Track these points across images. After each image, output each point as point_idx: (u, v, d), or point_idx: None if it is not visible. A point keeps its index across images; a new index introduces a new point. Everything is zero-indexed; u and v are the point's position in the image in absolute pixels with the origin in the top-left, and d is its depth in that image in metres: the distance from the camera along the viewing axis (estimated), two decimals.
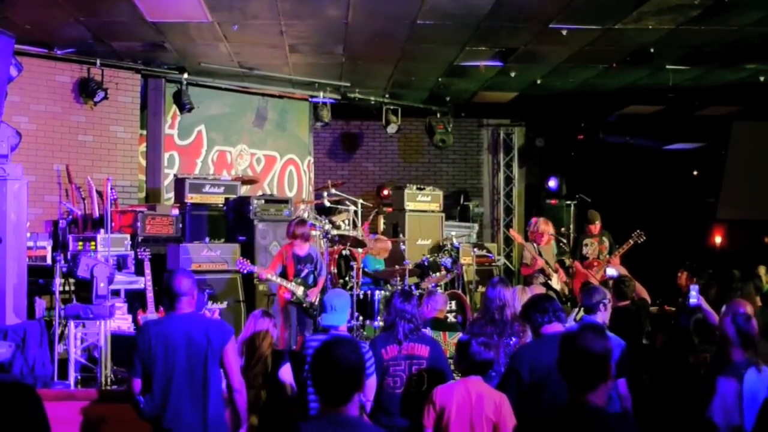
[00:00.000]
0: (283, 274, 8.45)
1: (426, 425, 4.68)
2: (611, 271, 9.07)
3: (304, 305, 8.45)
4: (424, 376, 5.32)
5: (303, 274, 8.45)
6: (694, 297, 6.24)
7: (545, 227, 10.02)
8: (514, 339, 5.80)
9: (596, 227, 10.16)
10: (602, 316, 5.62)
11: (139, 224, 9.90)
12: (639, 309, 7.00)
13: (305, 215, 10.89)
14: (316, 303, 8.49)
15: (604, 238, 10.12)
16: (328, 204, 11.39)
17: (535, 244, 9.97)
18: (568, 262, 10.32)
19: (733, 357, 4.64)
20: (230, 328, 4.88)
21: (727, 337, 4.70)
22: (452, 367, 5.44)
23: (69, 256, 8.49)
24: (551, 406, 4.15)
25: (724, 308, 5.31)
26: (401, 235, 11.46)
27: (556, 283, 9.63)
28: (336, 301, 5.35)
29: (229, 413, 4.85)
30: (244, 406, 4.85)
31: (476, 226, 13.96)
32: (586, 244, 10.14)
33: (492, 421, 4.52)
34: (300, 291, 8.39)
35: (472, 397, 4.51)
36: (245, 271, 8.62)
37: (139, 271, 8.94)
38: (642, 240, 9.70)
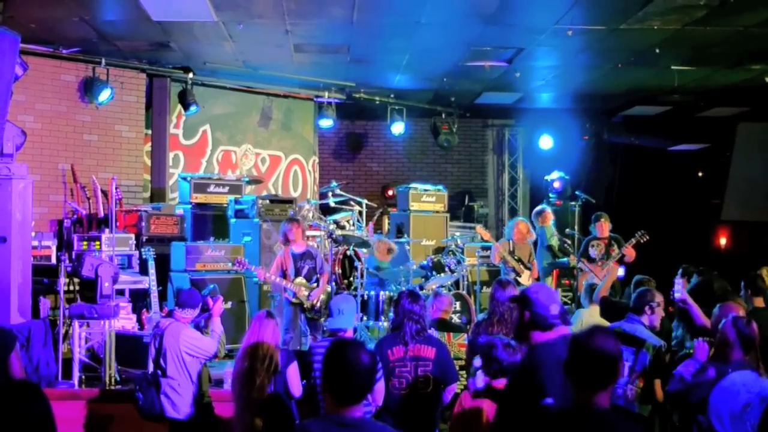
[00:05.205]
0: (284, 276, 8.44)
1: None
2: (621, 272, 9.04)
3: (305, 306, 8.42)
4: (429, 377, 5.32)
5: (304, 273, 8.44)
6: (678, 291, 6.21)
7: (519, 227, 10.29)
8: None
9: (604, 229, 10.14)
10: (648, 319, 5.52)
11: (143, 224, 9.93)
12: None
13: (309, 215, 10.88)
14: (318, 304, 8.46)
15: (612, 242, 10.10)
16: (332, 204, 11.35)
17: (511, 242, 10.21)
18: (572, 263, 10.27)
19: (733, 358, 4.73)
20: None
21: (727, 340, 4.82)
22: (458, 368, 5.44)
23: (74, 256, 8.51)
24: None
25: (716, 311, 5.39)
26: (406, 236, 11.43)
27: (525, 280, 9.76)
28: (343, 305, 5.42)
29: None
30: None
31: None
32: (593, 246, 10.12)
33: None
34: (302, 292, 8.37)
35: None
36: (243, 269, 8.72)
37: (144, 271, 8.96)
38: (645, 240, 9.66)
